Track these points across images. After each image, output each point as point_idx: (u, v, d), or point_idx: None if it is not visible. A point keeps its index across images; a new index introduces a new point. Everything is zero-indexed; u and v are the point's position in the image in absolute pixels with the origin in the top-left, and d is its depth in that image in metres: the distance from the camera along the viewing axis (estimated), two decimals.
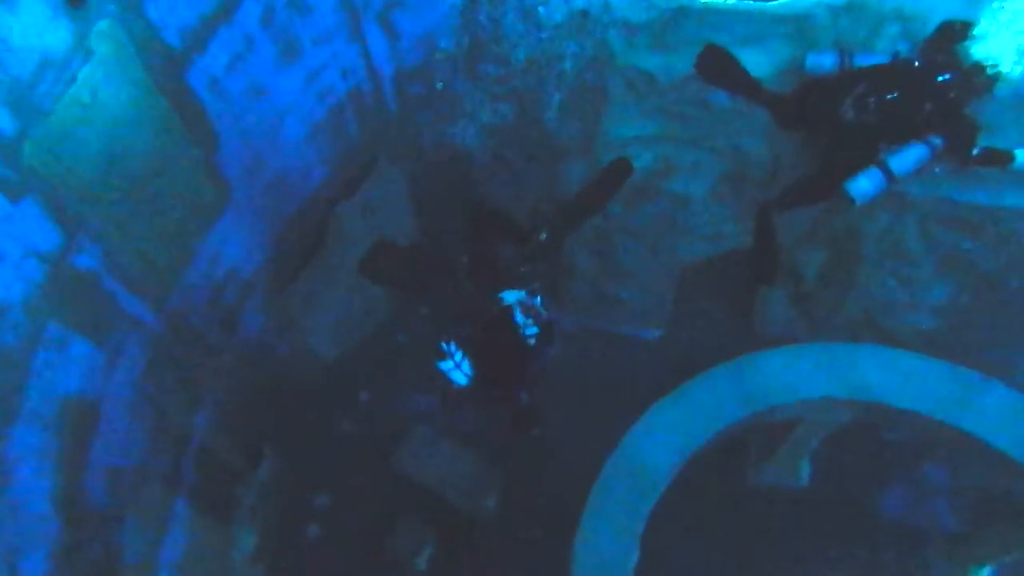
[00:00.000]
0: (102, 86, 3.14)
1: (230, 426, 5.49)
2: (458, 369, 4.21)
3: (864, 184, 4.61)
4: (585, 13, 5.07)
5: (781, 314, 7.04)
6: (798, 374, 5.28)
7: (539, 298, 4.35)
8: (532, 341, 4.34)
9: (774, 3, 5.07)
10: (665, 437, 5.23)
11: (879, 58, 4.69)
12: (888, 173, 4.57)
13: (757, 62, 5.18)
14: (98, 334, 3.60)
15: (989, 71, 4.45)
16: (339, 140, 5.27)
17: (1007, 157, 4.59)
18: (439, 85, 5.63)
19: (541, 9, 5.11)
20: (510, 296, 4.31)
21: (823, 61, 4.76)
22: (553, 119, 5.63)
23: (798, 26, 5.03)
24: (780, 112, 5.02)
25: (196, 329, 4.72)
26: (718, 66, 5.00)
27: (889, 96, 4.50)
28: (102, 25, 3.01)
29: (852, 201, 4.67)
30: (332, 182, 5.50)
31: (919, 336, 6.32)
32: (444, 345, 4.23)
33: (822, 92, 4.73)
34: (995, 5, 4.69)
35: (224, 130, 4.11)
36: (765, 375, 5.33)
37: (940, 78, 4.46)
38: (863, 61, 4.69)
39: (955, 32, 4.55)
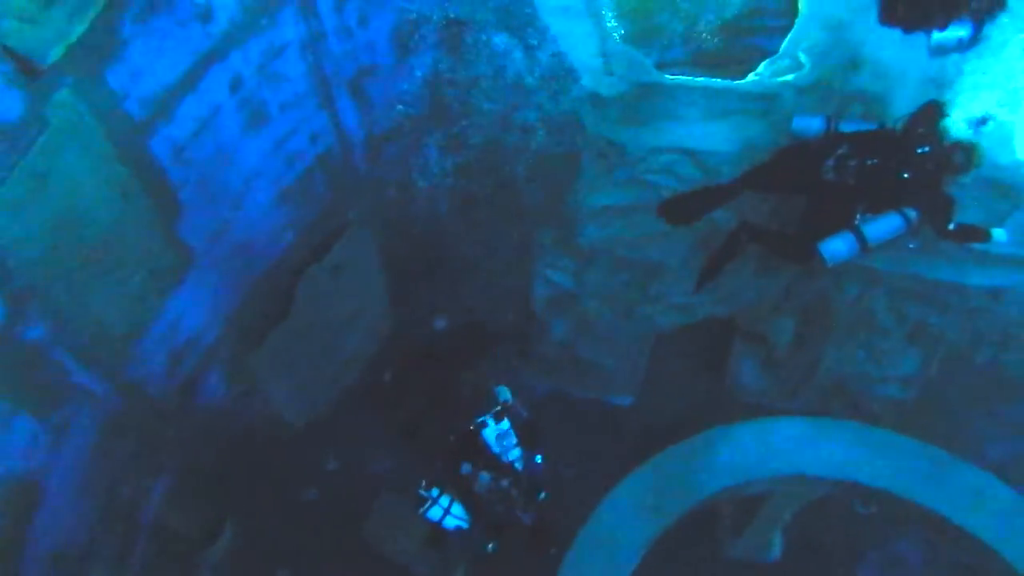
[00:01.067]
0: (59, 156, 3.07)
1: (188, 498, 5.28)
2: (449, 515, 4.12)
3: (837, 246, 4.59)
4: (553, 82, 5.14)
5: (753, 381, 7.02)
6: (771, 449, 5.22)
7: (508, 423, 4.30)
8: (518, 464, 4.28)
9: (742, 82, 5.19)
10: (638, 510, 5.11)
11: (864, 125, 4.76)
12: (862, 239, 4.56)
13: (725, 137, 5.28)
14: (44, 408, 3.44)
15: (968, 151, 4.50)
16: (308, 203, 5.22)
17: (983, 234, 4.61)
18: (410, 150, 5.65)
19: (510, 75, 5.16)
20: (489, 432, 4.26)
21: (810, 124, 4.83)
22: (523, 185, 5.64)
23: (765, 104, 5.14)
24: (760, 180, 5.03)
25: (153, 398, 4.56)
26: (685, 206, 5.11)
27: (869, 161, 4.54)
28: (60, 95, 2.95)
29: (823, 261, 4.63)
30: (301, 245, 5.43)
31: (889, 406, 6.32)
32: (425, 492, 4.14)
33: (806, 152, 4.77)
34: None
35: (188, 197, 4.04)
36: (738, 449, 5.26)
37: (920, 150, 4.51)
38: (848, 127, 4.76)
39: (938, 111, 4.64)
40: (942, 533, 5.23)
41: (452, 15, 4.97)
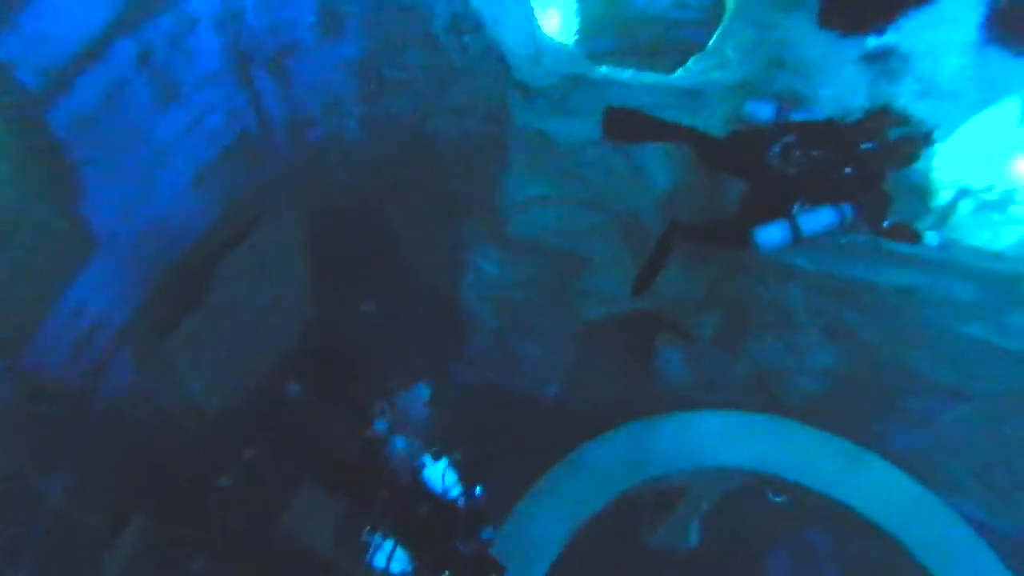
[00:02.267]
0: None
1: (94, 487, 5.04)
2: (393, 560, 4.17)
3: (772, 234, 4.64)
4: (483, 69, 5.05)
5: (677, 373, 7.12)
6: (690, 442, 5.31)
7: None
8: (460, 500, 4.29)
9: (671, 76, 5.22)
10: (557, 506, 5.13)
11: (813, 116, 4.80)
12: (796, 230, 4.62)
13: None
14: None
15: (915, 143, 4.60)
16: (227, 185, 5.03)
17: (916, 235, 4.75)
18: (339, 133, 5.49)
19: (440, 59, 5.05)
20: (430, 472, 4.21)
21: (761, 109, 4.88)
22: (451, 173, 5.56)
23: (693, 100, 5.19)
24: (707, 151, 5.03)
25: (54, 386, 4.32)
26: (629, 122, 5.02)
27: (814, 152, 4.59)
28: None
29: (757, 248, 4.70)
30: (219, 227, 5.23)
31: (806, 399, 6.50)
32: (369, 538, 4.14)
33: (753, 136, 4.80)
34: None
35: (92, 175, 3.82)
36: (659, 442, 5.32)
37: (864, 146, 4.58)
38: (798, 116, 4.80)
39: (891, 116, 4.72)
40: (849, 523, 5.42)
41: None
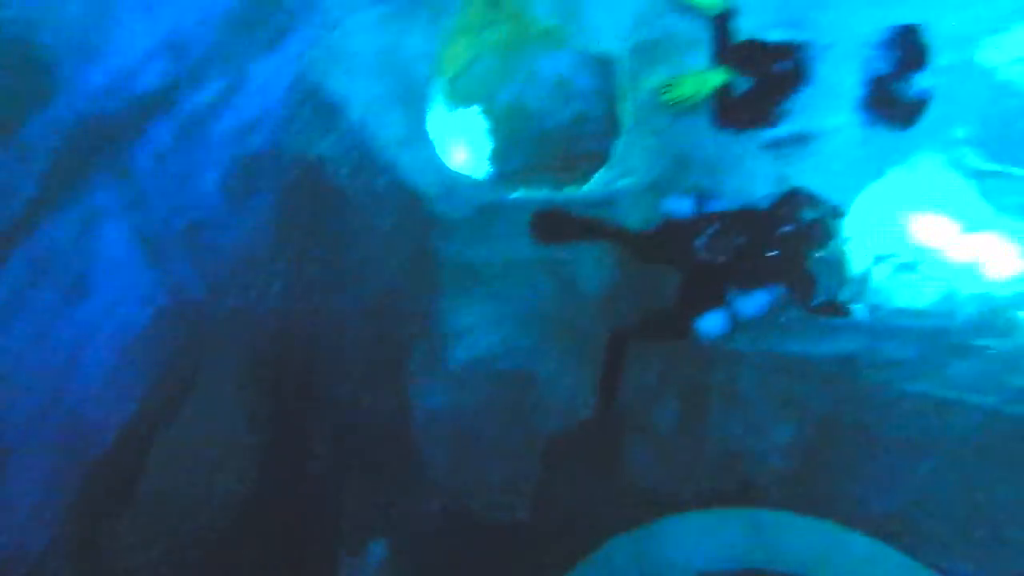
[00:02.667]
0: None
1: None
2: None
3: (712, 322, 4.84)
4: (397, 208, 5.10)
5: (645, 469, 6.97)
6: (669, 551, 5.15)
7: None
8: None
9: (582, 191, 5.36)
10: None
11: (730, 205, 5.01)
12: (734, 315, 4.84)
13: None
14: None
15: (825, 227, 4.87)
16: (149, 368, 4.84)
17: (844, 310, 4.98)
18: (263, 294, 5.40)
19: (355, 205, 5.07)
20: None
21: (680, 205, 5.02)
22: (385, 317, 5.49)
23: (608, 209, 5.31)
24: (636, 246, 5.20)
25: None
26: (558, 225, 5.15)
27: (738, 239, 4.80)
28: None
29: (700, 337, 4.88)
30: (144, 413, 4.99)
31: (776, 477, 6.41)
32: None
33: (678, 229, 4.97)
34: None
35: None
36: (637, 559, 5.13)
37: (783, 229, 4.81)
38: (716, 207, 4.99)
39: (801, 198, 4.98)
40: None
41: (293, 152, 4.87)
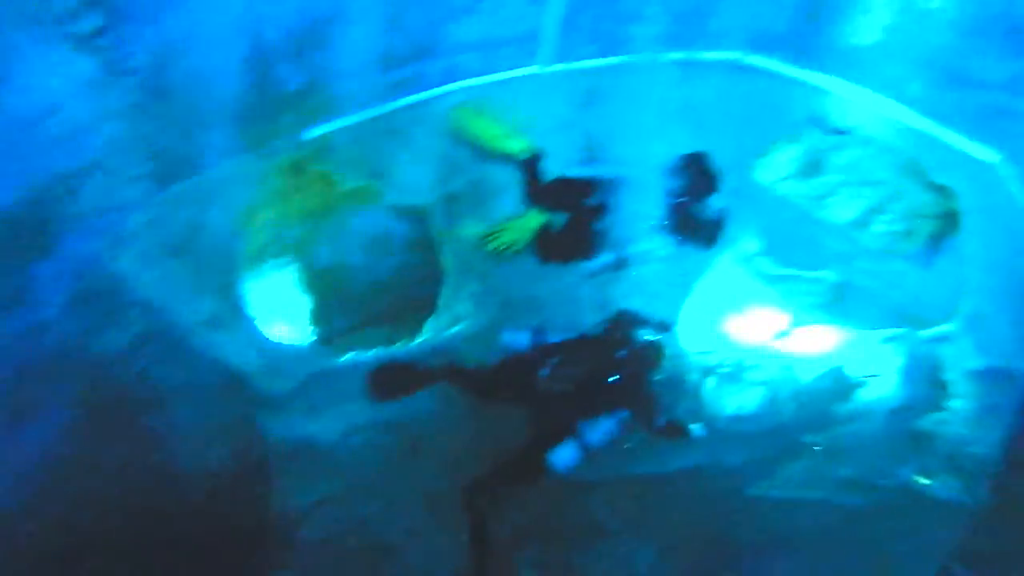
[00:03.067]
0: None
1: None
2: None
3: (564, 455, 4.82)
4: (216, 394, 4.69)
5: None
6: None
7: None
8: None
9: (413, 344, 5.23)
10: None
11: (567, 334, 5.04)
12: (583, 444, 4.84)
13: (412, 399, 5.17)
14: None
15: (657, 348, 5.04)
16: None
17: (683, 430, 5.13)
18: None
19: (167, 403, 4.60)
20: None
21: (518, 340, 5.00)
22: (217, 511, 4.94)
23: (442, 358, 5.18)
24: (478, 386, 5.11)
25: None
26: (395, 378, 5.01)
27: (580, 368, 4.84)
28: None
29: (554, 471, 4.84)
30: None
31: None
32: None
33: (519, 364, 4.94)
34: None
35: None
36: None
37: (619, 353, 4.92)
38: (554, 337, 5.01)
39: (627, 320, 5.14)
40: None
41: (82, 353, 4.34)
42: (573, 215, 5.40)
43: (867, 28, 5.32)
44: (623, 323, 5.17)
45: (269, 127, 4.64)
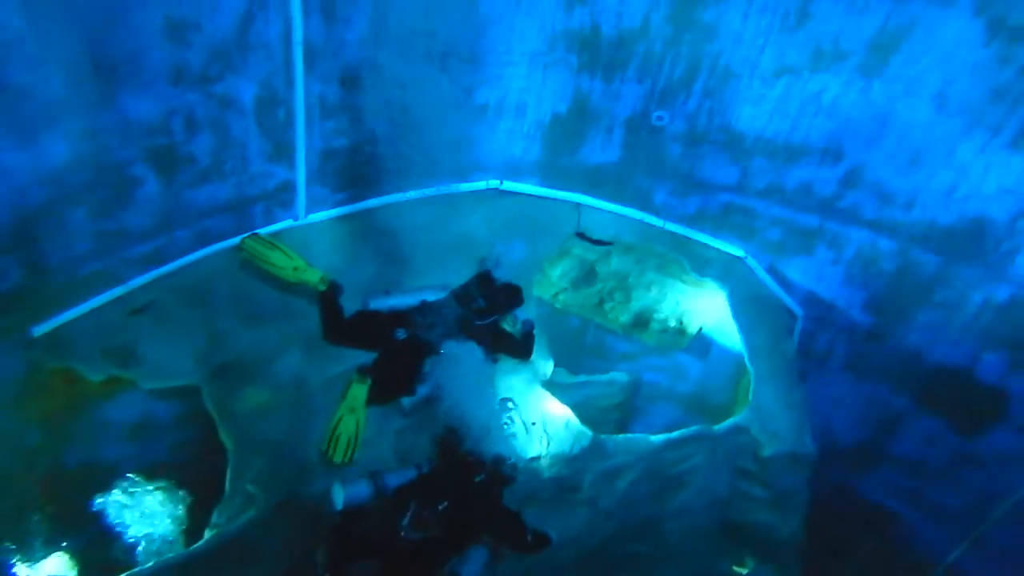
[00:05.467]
0: None
1: None
2: None
3: None
4: None
5: None
6: None
7: None
8: None
9: (202, 543, 4.56)
10: None
11: (409, 472, 4.64)
12: None
13: None
14: None
15: (512, 464, 4.78)
16: None
17: (549, 540, 4.83)
18: None
19: None
20: None
21: (358, 491, 4.47)
22: None
23: (243, 551, 4.57)
24: (337, 555, 4.52)
25: None
26: None
27: (441, 506, 4.44)
28: None
29: None
30: None
31: None
32: None
33: (373, 518, 4.46)
34: None
35: None
36: None
37: (476, 478, 4.60)
38: (395, 480, 4.58)
39: (451, 442, 4.81)
40: None
41: None
42: (384, 352, 5.14)
43: (607, 147, 5.72)
44: (451, 447, 4.85)
45: None
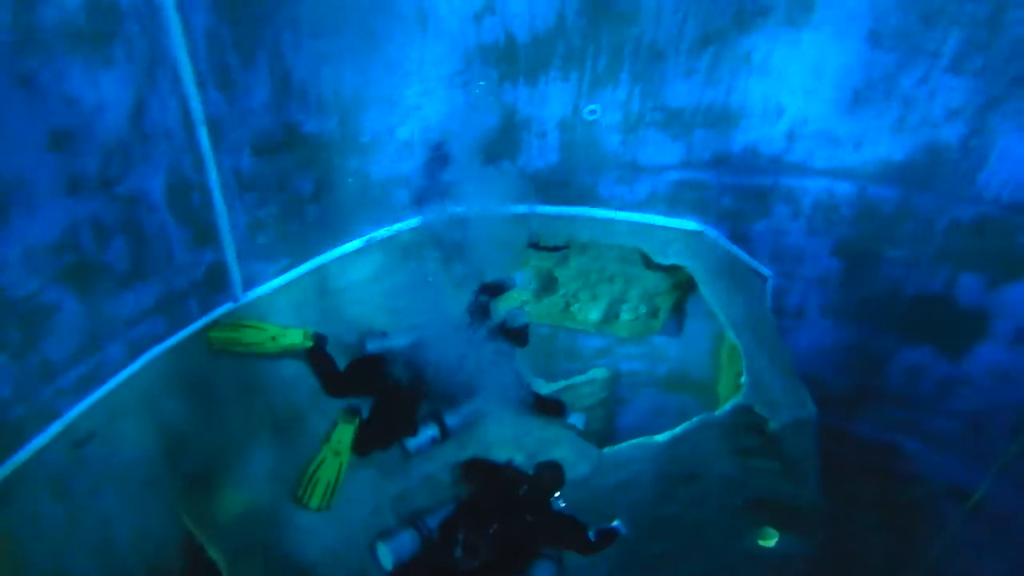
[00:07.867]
0: None
1: None
2: None
3: None
4: None
5: None
6: None
7: None
8: None
9: None
10: None
11: (445, 510, 4.52)
12: None
13: None
14: None
15: (555, 469, 4.61)
16: None
17: (616, 533, 4.72)
18: None
19: None
20: None
21: (403, 543, 4.36)
22: None
23: None
24: None
25: None
26: None
27: (491, 530, 4.32)
28: None
29: None
30: None
31: None
32: None
33: (427, 567, 4.38)
34: None
35: None
36: None
37: (521, 491, 4.49)
38: (436, 519, 4.48)
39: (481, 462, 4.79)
40: None
41: None
42: (379, 398, 4.89)
43: (543, 152, 5.47)
44: (483, 467, 4.73)
45: None
